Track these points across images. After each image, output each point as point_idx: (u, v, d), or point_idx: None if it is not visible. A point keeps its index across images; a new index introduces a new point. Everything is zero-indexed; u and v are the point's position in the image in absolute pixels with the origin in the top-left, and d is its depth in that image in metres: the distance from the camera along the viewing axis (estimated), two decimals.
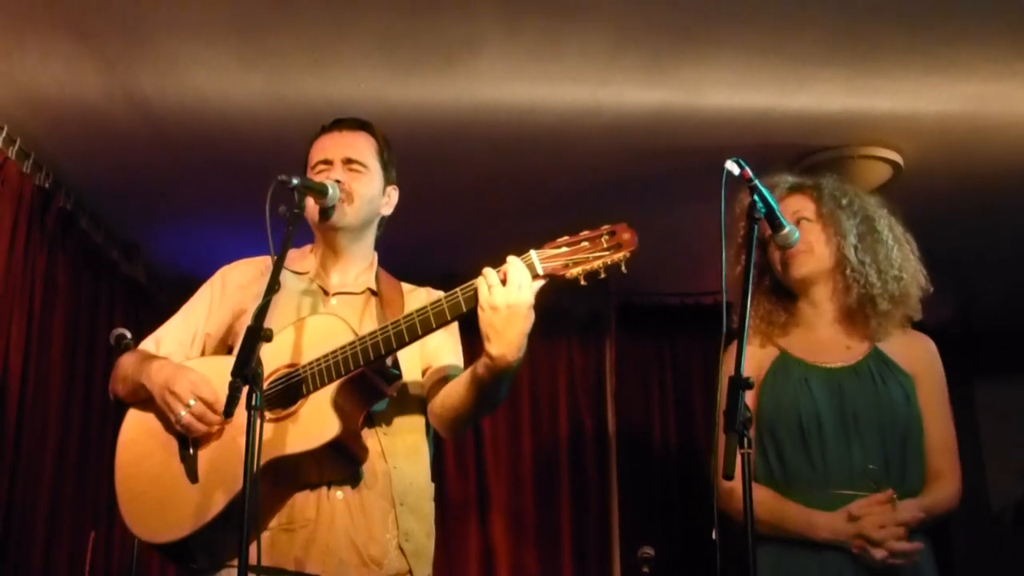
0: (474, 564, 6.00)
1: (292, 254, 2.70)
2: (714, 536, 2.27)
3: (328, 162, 2.66)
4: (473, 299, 2.31)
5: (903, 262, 2.79)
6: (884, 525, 2.50)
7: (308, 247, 2.77)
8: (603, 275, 2.28)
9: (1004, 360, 6.84)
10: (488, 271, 2.29)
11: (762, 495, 2.57)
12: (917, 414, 2.68)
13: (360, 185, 2.65)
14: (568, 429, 6.33)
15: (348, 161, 2.66)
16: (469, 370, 2.44)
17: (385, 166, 2.75)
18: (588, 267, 2.26)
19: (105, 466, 4.83)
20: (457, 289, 2.35)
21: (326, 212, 2.57)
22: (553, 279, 2.28)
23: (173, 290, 5.92)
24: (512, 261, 2.28)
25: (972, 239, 5.48)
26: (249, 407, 2.08)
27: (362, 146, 2.71)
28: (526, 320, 2.28)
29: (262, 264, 2.74)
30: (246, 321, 2.59)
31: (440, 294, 2.70)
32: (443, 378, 2.60)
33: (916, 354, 2.76)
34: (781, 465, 2.68)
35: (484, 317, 2.27)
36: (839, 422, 2.66)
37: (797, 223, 2.72)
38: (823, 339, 2.79)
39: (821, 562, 2.56)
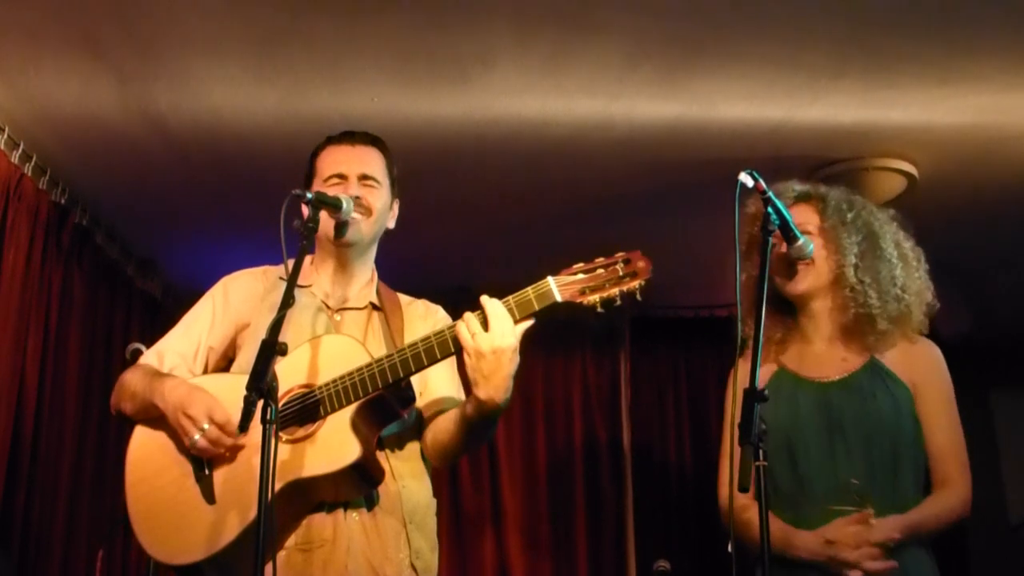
0: None
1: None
2: (730, 549, 2.26)
3: (343, 176, 2.64)
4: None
5: (906, 281, 2.74)
6: (859, 546, 2.49)
7: (308, 258, 2.74)
8: (619, 302, 2.31)
9: (1020, 369, 6.81)
10: (469, 317, 2.32)
11: (753, 514, 2.56)
12: (911, 425, 2.65)
13: (375, 200, 2.65)
14: (583, 443, 6.32)
15: (363, 177, 2.66)
16: (458, 410, 2.47)
17: (393, 181, 2.76)
18: (604, 294, 2.30)
19: (122, 479, 4.88)
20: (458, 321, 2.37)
21: (341, 228, 2.56)
22: (570, 306, 2.31)
23: (188, 305, 5.92)
24: (489, 304, 2.32)
25: (987, 250, 5.46)
26: (264, 421, 2.08)
27: (375, 161, 2.71)
28: (511, 363, 2.31)
29: (264, 277, 2.74)
30: (249, 334, 2.62)
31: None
32: (439, 411, 2.61)
33: (916, 362, 2.72)
34: (772, 482, 2.66)
35: (470, 363, 2.31)
36: (826, 437, 2.65)
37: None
38: (819, 353, 2.77)
39: None
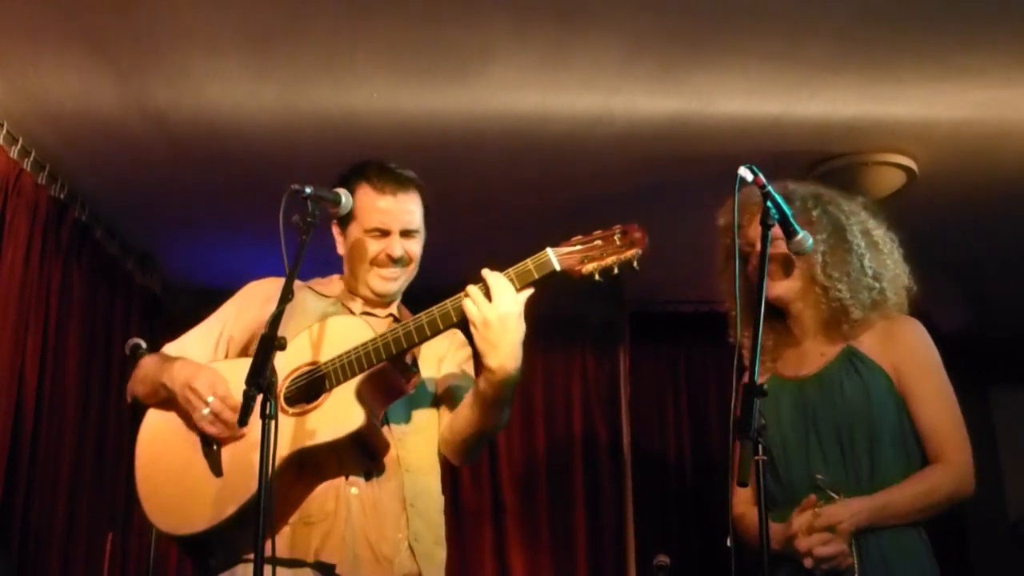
0: (488, 573, 5.99)
1: (319, 281, 2.82)
2: (729, 543, 2.27)
3: (386, 233, 2.68)
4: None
5: (877, 267, 2.73)
6: (810, 533, 2.48)
7: (336, 277, 2.83)
8: (616, 271, 2.35)
9: (1020, 367, 6.81)
10: (472, 289, 2.38)
11: (748, 511, 2.55)
12: (890, 408, 2.62)
13: (415, 249, 2.73)
14: (582, 438, 6.32)
15: (405, 232, 2.70)
16: (472, 391, 2.53)
17: (426, 220, 2.80)
18: (602, 263, 2.35)
19: (122, 475, 4.88)
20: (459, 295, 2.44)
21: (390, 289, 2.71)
22: (568, 275, 2.37)
23: (188, 300, 5.93)
24: (490, 276, 2.38)
25: (987, 245, 5.45)
26: (263, 416, 2.12)
27: (416, 210, 2.74)
28: (518, 329, 2.37)
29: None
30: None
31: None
32: (452, 396, 2.68)
33: (894, 342, 2.69)
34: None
35: (478, 334, 2.37)
36: (802, 435, 2.65)
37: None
38: (805, 352, 2.78)
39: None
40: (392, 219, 2.68)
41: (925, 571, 2.57)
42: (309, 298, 2.73)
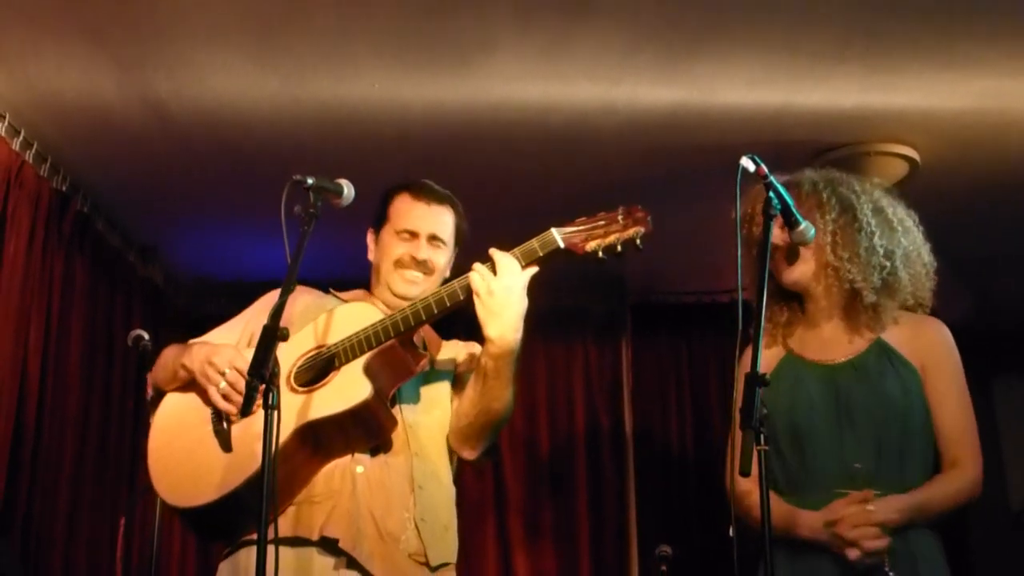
0: (491, 564, 6.00)
1: (342, 294, 2.88)
2: (731, 533, 2.27)
3: (415, 234, 2.78)
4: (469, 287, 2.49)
5: (889, 245, 2.70)
6: (859, 525, 2.47)
7: (362, 292, 2.89)
8: (619, 249, 2.43)
9: (1023, 357, 6.80)
10: (478, 265, 2.48)
11: (756, 499, 2.56)
12: (919, 406, 2.63)
13: (439, 259, 2.80)
14: (585, 429, 6.32)
15: (432, 237, 2.79)
16: (475, 372, 2.61)
17: (458, 239, 2.89)
18: (605, 241, 2.43)
19: (125, 467, 4.89)
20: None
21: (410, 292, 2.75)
22: (572, 253, 2.45)
23: (191, 292, 5.95)
24: (497, 253, 2.47)
25: (989, 236, 5.45)
26: (266, 406, 2.13)
27: (446, 223, 2.85)
28: (521, 301, 2.45)
29: (316, 292, 2.88)
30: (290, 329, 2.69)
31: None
32: (462, 382, 2.74)
33: (924, 342, 2.69)
34: (780, 466, 2.67)
35: (481, 304, 2.45)
36: (834, 420, 2.64)
37: (781, 227, 2.66)
38: (826, 335, 2.76)
39: (819, 563, 2.55)
40: (422, 222, 2.79)
41: (943, 574, 2.60)
42: (332, 301, 2.80)
